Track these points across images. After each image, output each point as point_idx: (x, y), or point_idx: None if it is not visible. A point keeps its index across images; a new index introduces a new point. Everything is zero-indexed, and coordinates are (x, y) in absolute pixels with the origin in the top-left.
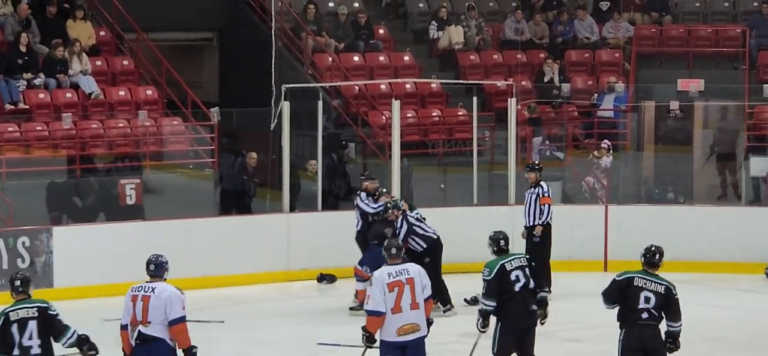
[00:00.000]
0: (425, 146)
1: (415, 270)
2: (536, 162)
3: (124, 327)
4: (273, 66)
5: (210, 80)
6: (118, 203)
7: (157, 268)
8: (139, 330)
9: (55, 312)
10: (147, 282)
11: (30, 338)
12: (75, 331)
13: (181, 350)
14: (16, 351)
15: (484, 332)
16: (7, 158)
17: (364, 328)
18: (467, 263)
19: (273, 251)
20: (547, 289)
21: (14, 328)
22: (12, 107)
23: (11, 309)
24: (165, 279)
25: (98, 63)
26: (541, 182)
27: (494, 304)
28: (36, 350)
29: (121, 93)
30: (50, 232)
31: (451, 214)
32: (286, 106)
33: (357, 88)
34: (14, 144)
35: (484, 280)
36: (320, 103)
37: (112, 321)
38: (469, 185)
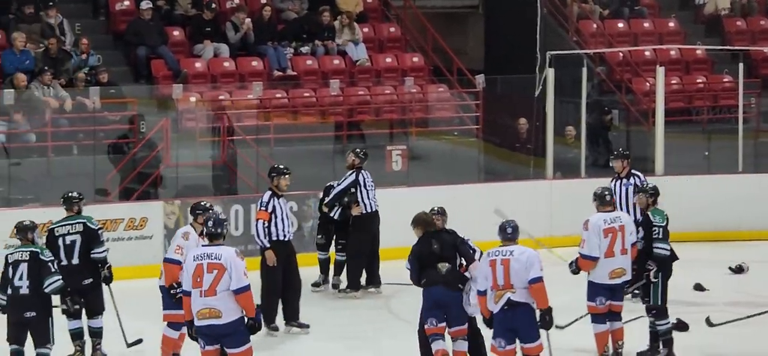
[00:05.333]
0: (689, 112)
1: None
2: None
3: (482, 293)
4: (538, 33)
5: (475, 47)
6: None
7: (514, 231)
8: (509, 297)
9: (46, 258)
10: (502, 246)
11: (20, 278)
12: (59, 280)
13: (538, 310)
14: (8, 291)
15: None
16: (275, 123)
17: None
18: (731, 231)
19: (536, 217)
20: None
21: (9, 270)
22: (280, 73)
23: (11, 252)
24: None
25: (365, 30)
26: (634, 171)
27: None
28: (24, 290)
29: (388, 60)
30: (318, 197)
31: (715, 182)
32: (550, 73)
33: (621, 54)
34: (282, 110)
35: (659, 227)
36: (584, 70)
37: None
38: (734, 152)
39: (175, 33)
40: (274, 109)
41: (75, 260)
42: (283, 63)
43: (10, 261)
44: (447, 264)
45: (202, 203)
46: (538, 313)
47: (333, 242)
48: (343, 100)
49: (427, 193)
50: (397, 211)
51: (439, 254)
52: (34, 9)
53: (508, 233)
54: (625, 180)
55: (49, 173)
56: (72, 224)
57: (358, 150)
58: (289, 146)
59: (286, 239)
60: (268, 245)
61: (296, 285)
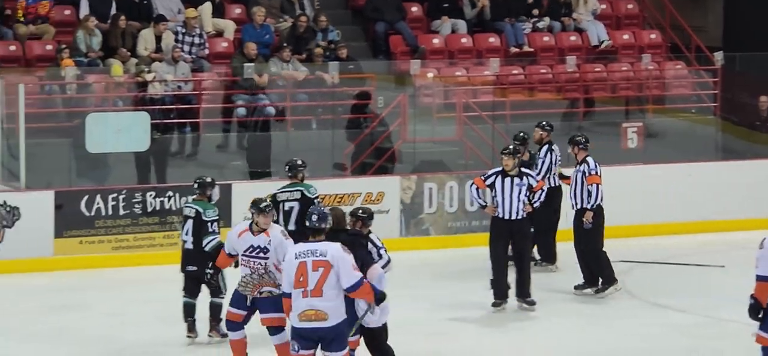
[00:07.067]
0: None
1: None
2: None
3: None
4: None
5: (714, 24)
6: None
7: None
8: None
9: (208, 218)
10: None
11: (186, 233)
12: (216, 239)
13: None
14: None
15: None
16: (511, 100)
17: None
18: None
19: None
20: (590, 286)
21: (182, 223)
22: (517, 49)
23: (185, 205)
24: None
25: (603, 6)
26: (588, 158)
27: None
28: (189, 246)
29: (625, 37)
30: None
31: None
32: None
33: None
34: (518, 86)
35: None
36: None
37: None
38: None
39: (414, 9)
40: (510, 85)
41: (291, 226)
42: (520, 39)
43: (183, 215)
44: None
45: (259, 201)
46: None
47: None
48: (579, 77)
49: (662, 171)
50: (632, 189)
51: None
52: None
53: None
54: (578, 166)
55: (288, 147)
56: (291, 191)
57: (543, 123)
58: (525, 122)
59: (508, 218)
60: (483, 203)
61: (522, 264)
